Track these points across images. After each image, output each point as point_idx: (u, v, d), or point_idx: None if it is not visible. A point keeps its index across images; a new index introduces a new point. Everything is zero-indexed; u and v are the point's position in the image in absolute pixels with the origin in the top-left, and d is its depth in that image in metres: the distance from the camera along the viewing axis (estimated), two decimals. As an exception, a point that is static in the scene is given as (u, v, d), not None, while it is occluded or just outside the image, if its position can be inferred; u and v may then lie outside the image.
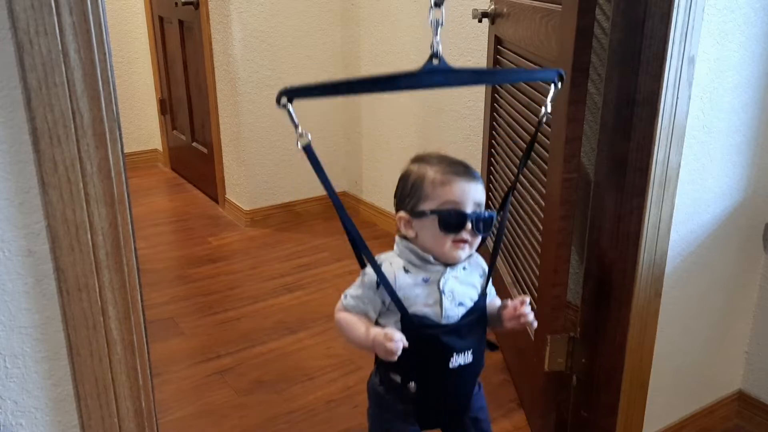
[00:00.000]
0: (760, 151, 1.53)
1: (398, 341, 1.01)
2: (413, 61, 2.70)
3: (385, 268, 1.08)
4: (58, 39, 0.80)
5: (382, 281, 1.06)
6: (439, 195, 1.06)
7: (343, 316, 1.12)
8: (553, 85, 1.07)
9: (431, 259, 1.08)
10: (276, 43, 2.96)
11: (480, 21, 2.05)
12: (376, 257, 1.10)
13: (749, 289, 1.67)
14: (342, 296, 1.14)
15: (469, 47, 2.38)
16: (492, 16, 1.98)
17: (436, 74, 0.94)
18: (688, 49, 1.26)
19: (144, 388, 0.98)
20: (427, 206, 1.07)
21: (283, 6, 2.93)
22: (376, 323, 1.10)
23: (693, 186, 1.43)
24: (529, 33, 1.63)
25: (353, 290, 1.12)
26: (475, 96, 2.38)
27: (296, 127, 0.94)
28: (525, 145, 1.71)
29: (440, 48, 0.92)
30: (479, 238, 1.09)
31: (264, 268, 2.69)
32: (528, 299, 1.13)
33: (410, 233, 1.10)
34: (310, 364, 2.02)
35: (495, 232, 1.15)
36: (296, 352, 2.09)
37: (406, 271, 1.09)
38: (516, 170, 1.25)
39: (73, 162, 0.84)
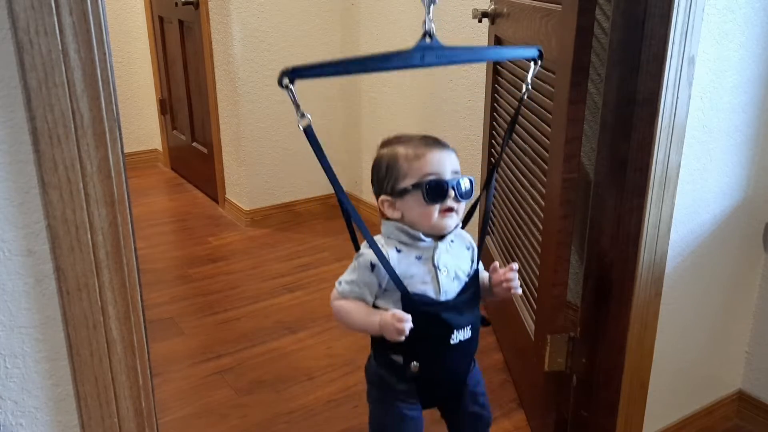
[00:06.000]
0: (760, 151, 1.53)
1: (408, 321, 1.02)
2: (413, 61, 2.70)
3: None
4: (58, 39, 0.80)
5: (381, 260, 1.05)
6: (417, 169, 1.07)
7: (340, 304, 1.13)
8: (533, 63, 1.08)
9: (421, 235, 1.09)
10: (276, 43, 2.96)
11: (480, 21, 2.05)
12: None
13: (749, 289, 1.67)
14: (336, 284, 1.14)
15: (469, 47, 2.38)
16: (492, 16, 1.98)
17: (428, 52, 0.94)
18: (688, 49, 1.26)
19: (144, 388, 0.98)
20: (407, 183, 1.07)
21: (283, 6, 2.93)
22: (374, 306, 1.10)
23: (693, 186, 1.43)
24: (529, 33, 1.63)
25: (347, 275, 1.12)
26: (475, 96, 2.38)
27: (297, 107, 0.93)
28: (526, 146, 1.71)
29: (433, 26, 0.92)
30: (464, 204, 1.10)
31: (264, 268, 2.69)
32: (516, 266, 1.15)
33: (395, 214, 1.10)
34: (310, 364, 2.02)
35: (482, 208, 1.18)
36: (296, 352, 2.09)
37: (399, 251, 1.09)
38: (504, 148, 1.30)
39: (73, 162, 0.84)
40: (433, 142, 1.10)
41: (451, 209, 1.08)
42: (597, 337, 1.47)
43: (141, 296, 0.95)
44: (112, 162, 0.87)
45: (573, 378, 1.54)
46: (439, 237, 1.11)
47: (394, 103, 2.89)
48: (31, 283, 0.86)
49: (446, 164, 1.08)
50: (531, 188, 1.66)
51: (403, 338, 1.03)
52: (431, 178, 1.06)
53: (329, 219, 3.16)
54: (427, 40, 0.94)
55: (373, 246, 1.05)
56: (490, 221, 1.20)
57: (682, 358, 1.59)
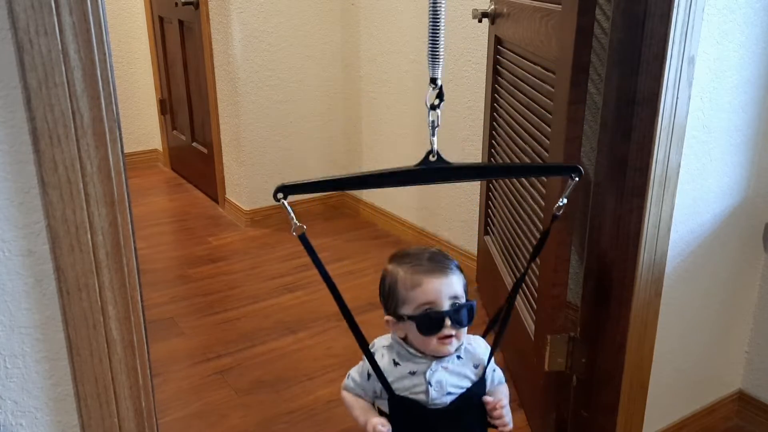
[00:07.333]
0: (760, 151, 1.53)
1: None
2: (412, 60, 2.70)
3: (377, 359, 1.11)
4: (58, 39, 0.80)
5: (376, 373, 1.09)
6: (413, 298, 1.08)
7: (345, 396, 1.19)
8: (570, 180, 1.07)
9: (416, 353, 1.11)
10: (276, 43, 2.96)
11: (480, 21, 2.05)
12: (372, 343, 1.14)
13: (749, 289, 1.67)
14: (347, 375, 1.19)
15: (469, 47, 2.38)
16: (492, 16, 1.98)
17: (433, 171, 0.99)
18: (688, 49, 1.26)
19: (144, 388, 0.98)
20: (405, 311, 1.09)
21: (283, 6, 2.93)
22: (374, 405, 1.16)
23: (693, 186, 1.43)
24: (529, 33, 1.63)
25: (355, 373, 1.17)
26: (475, 96, 2.38)
27: (292, 219, 0.98)
28: (526, 146, 1.71)
29: (436, 147, 0.98)
30: (464, 329, 1.10)
31: (264, 268, 2.69)
32: (505, 401, 1.14)
33: (400, 334, 1.13)
34: (310, 364, 2.02)
35: (502, 319, 1.15)
36: (296, 352, 2.09)
37: (396, 363, 1.12)
38: (524, 260, 1.26)
39: (73, 162, 0.84)
40: (434, 267, 1.09)
41: (448, 336, 1.08)
42: (597, 337, 1.47)
43: (141, 296, 0.95)
44: (112, 162, 0.87)
45: (573, 378, 1.54)
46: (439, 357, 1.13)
47: (394, 103, 2.89)
48: (31, 283, 0.87)
49: (443, 292, 1.07)
50: (531, 188, 1.66)
51: None
52: (426, 309, 1.07)
53: (329, 219, 3.16)
54: (432, 158, 0.98)
55: (369, 358, 1.09)
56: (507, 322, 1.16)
57: (682, 358, 1.59)
